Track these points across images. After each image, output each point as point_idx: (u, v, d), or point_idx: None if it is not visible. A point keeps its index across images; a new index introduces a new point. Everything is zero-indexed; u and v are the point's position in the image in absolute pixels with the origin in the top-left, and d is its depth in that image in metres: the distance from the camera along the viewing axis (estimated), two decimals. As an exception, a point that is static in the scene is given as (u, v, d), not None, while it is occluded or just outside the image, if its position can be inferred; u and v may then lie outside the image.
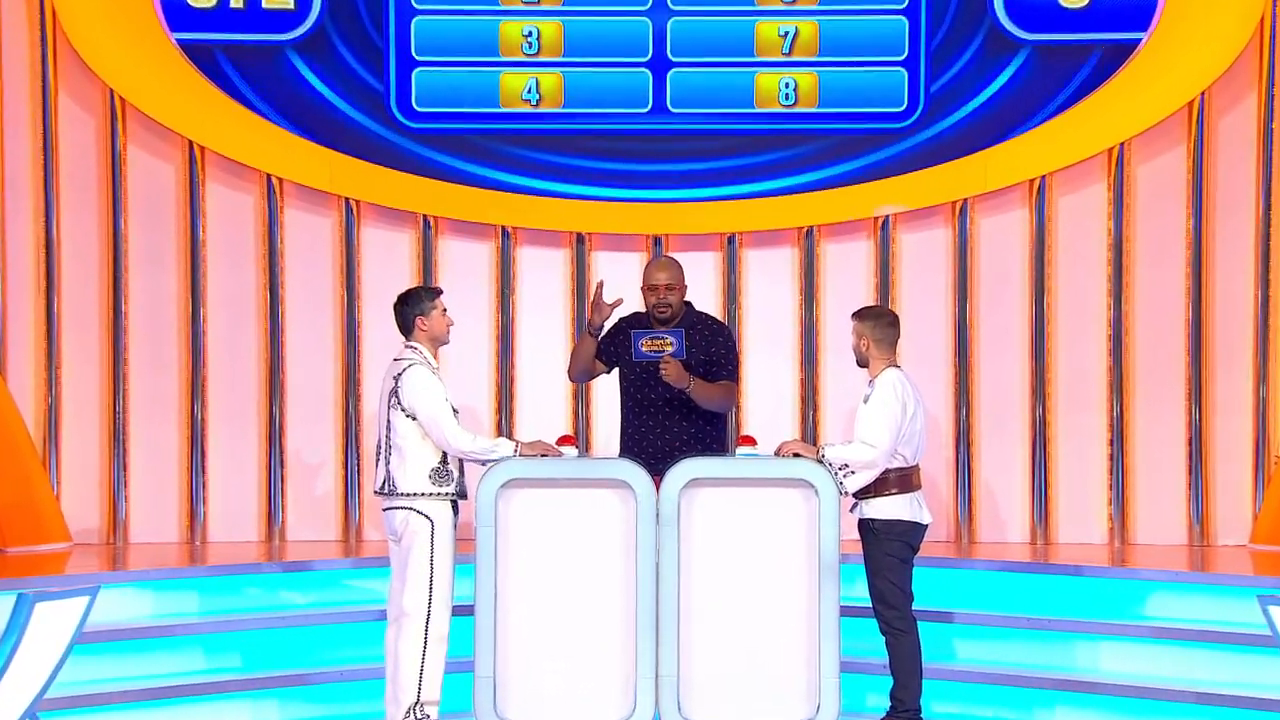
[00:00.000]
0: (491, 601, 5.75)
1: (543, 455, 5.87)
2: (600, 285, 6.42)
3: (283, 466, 8.48)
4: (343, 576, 7.44)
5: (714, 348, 6.43)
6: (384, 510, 5.94)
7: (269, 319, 8.47)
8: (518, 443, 5.90)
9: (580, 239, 8.58)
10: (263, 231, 8.48)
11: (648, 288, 6.41)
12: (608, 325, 6.51)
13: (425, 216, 8.52)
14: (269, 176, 8.44)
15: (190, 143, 8.39)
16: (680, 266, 6.44)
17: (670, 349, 6.16)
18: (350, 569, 7.47)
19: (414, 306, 5.96)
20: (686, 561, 5.79)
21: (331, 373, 8.56)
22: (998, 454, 8.49)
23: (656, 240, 8.54)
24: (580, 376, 6.69)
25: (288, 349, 8.51)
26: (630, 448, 6.44)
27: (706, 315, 6.62)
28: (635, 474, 5.81)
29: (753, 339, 8.56)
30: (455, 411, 5.85)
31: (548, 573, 5.80)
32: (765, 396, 8.51)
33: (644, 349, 6.16)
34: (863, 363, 6.08)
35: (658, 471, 6.00)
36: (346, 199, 8.49)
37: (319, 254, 8.55)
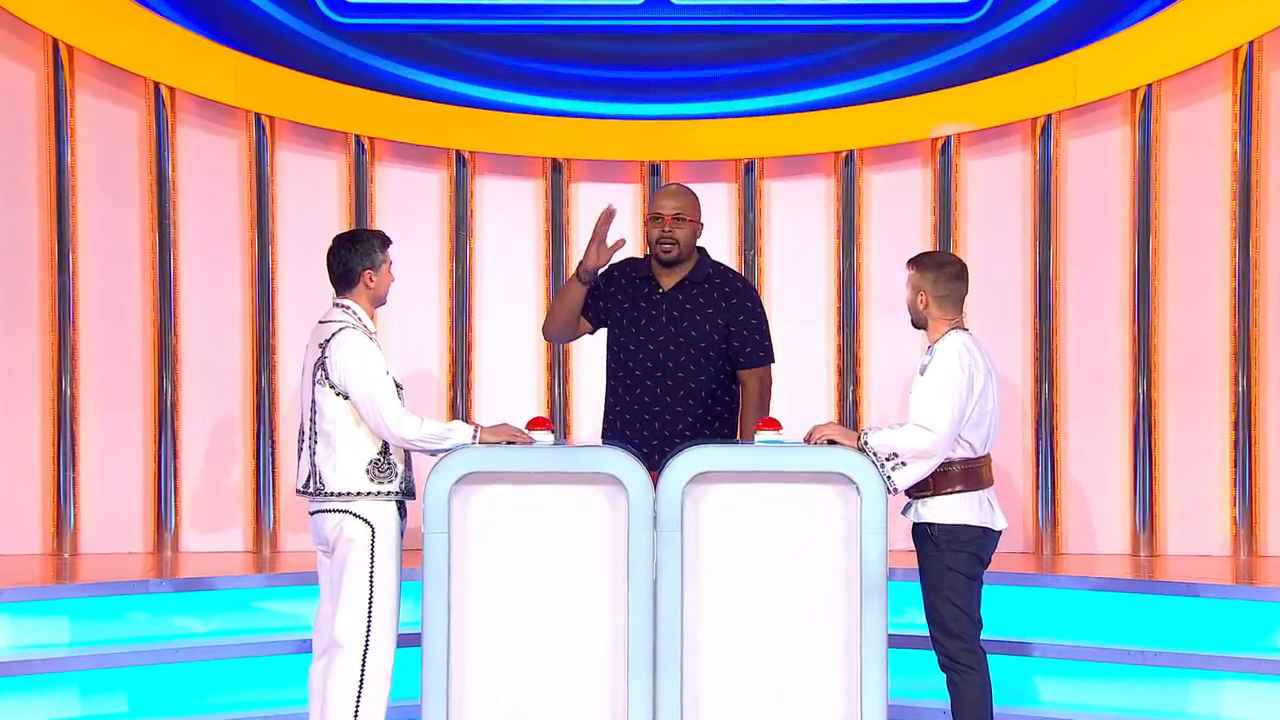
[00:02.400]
0: (444, 629, 5.74)
1: (509, 442, 5.85)
2: (609, 213, 6.33)
3: (175, 458, 8.47)
4: (254, 597, 7.44)
5: (740, 315, 6.36)
6: (310, 514, 5.92)
7: (157, 269, 8.45)
8: (477, 427, 5.87)
9: (556, 167, 8.57)
10: (149, 156, 8.46)
11: (650, 217, 6.38)
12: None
13: (358, 137, 8.51)
14: (156, 85, 8.41)
15: (54, 41, 8.36)
16: (694, 197, 6.40)
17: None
18: (264, 588, 7.46)
19: (363, 256, 5.88)
20: (692, 578, 5.78)
21: (238, 338, 8.56)
22: (1089, 441, 8.50)
23: (654, 168, 8.54)
24: (559, 334, 6.62)
25: (181, 307, 8.51)
26: (620, 432, 6.43)
27: (726, 269, 6.57)
28: (627, 466, 5.79)
29: (777, 294, 8.56)
30: (399, 388, 5.82)
31: (515, 592, 5.80)
32: (792, 368, 8.48)
33: None
34: (919, 324, 6.04)
35: (655, 463, 5.97)
36: (257, 115, 8.47)
37: (221, 185, 8.54)
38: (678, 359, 6.31)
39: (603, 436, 6.54)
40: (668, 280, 6.37)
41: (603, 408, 6.56)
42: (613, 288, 6.44)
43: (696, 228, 6.38)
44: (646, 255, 6.47)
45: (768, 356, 6.44)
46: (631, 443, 6.25)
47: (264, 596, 7.44)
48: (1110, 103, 8.45)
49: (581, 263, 6.34)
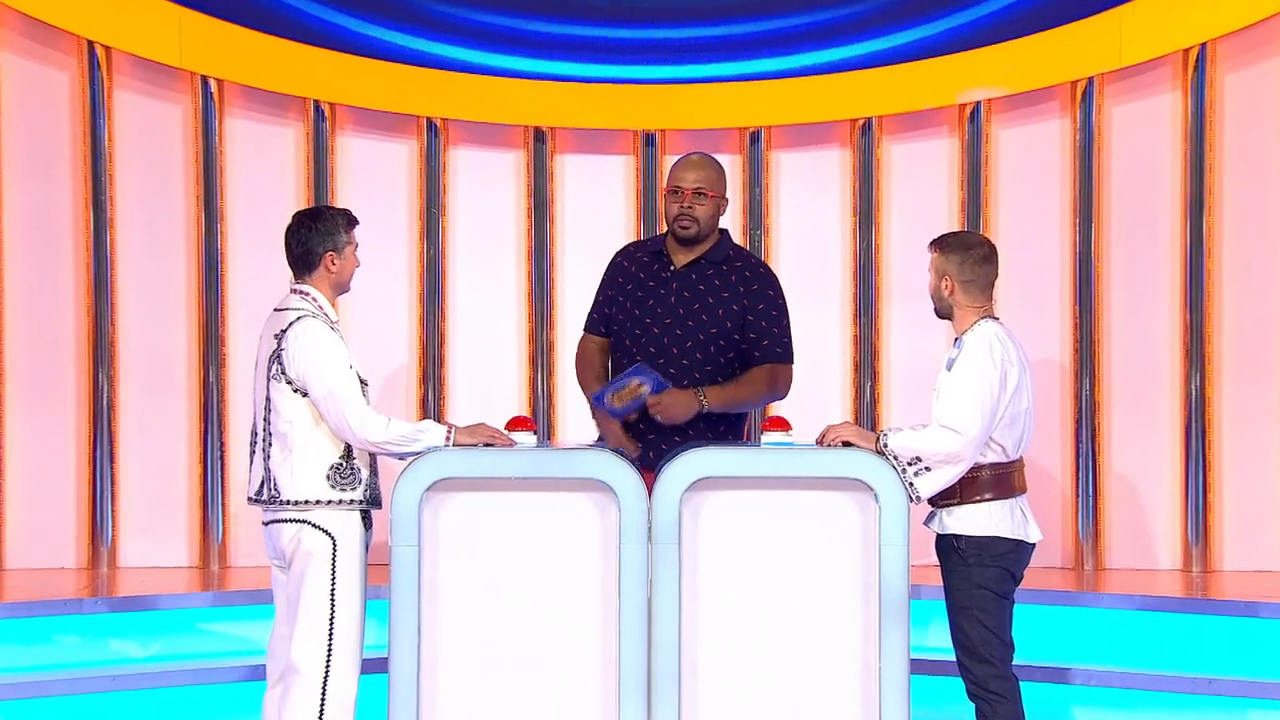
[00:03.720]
0: (413, 653, 5.74)
1: (486, 444, 5.85)
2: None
3: (112, 462, 8.47)
4: (200, 618, 7.43)
5: (760, 304, 6.34)
6: (264, 524, 5.92)
7: (90, 251, 8.44)
8: (451, 427, 5.86)
9: (539, 136, 8.58)
10: (82, 124, 8.45)
11: (669, 190, 6.38)
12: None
13: (317, 103, 8.50)
14: (90, 44, 8.40)
15: (-24, -4, 8.38)
16: (719, 169, 6.40)
17: (645, 390, 6.18)
18: (211, 608, 7.45)
19: (325, 236, 5.88)
20: (691, 596, 5.77)
21: (182, 328, 8.55)
22: (1136, 444, 8.52)
23: (649, 138, 8.54)
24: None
25: (119, 293, 8.50)
26: (635, 434, 6.41)
27: (748, 252, 6.59)
28: (619, 471, 5.79)
29: (785, 279, 8.32)
30: (363, 384, 5.82)
31: (493, 612, 5.79)
32: (803, 362, 8.42)
33: (614, 405, 6.21)
34: (945, 313, 6.04)
35: (651, 467, 5.97)
36: (204, 77, 8.45)
37: (164, 157, 8.53)
38: (683, 344, 6.30)
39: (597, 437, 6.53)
40: (681, 258, 6.37)
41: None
42: (620, 278, 6.44)
43: (720, 203, 6.37)
44: (664, 233, 6.47)
45: (786, 354, 6.43)
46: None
47: (211, 617, 7.42)
48: (1159, 64, 8.45)
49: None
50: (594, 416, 6.36)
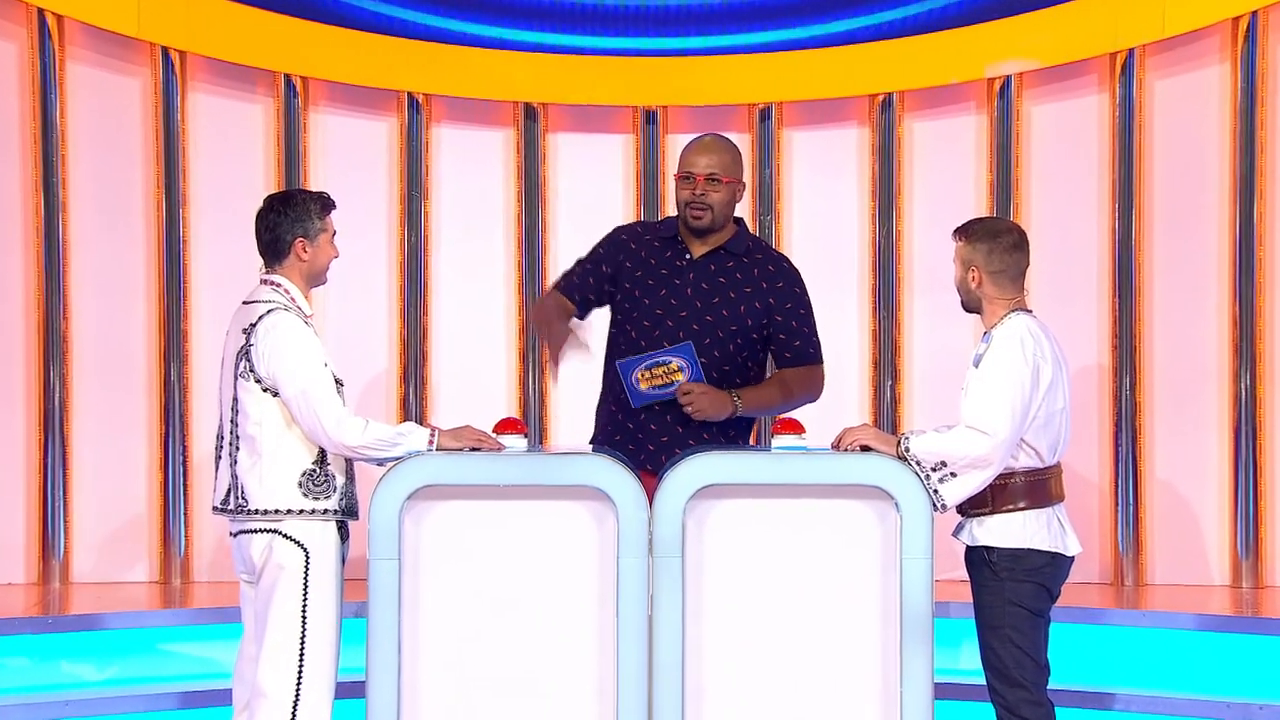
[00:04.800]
0: (393, 676, 5.73)
1: (473, 449, 5.85)
2: (573, 336, 6.31)
3: (65, 468, 8.47)
4: (160, 638, 7.42)
5: (789, 304, 6.33)
6: (232, 536, 5.92)
7: (42, 236, 8.43)
8: (434, 430, 5.86)
9: (530, 113, 8.58)
10: (31, 99, 8.44)
11: (681, 176, 6.37)
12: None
13: (288, 77, 8.50)
14: (40, 12, 8.39)
15: (-86, -41, 8.39)
16: (735, 151, 6.39)
17: (682, 375, 6.18)
18: (172, 626, 7.45)
19: (295, 222, 5.88)
20: (695, 613, 5.77)
21: (141, 321, 8.55)
22: (1181, 448, 8.53)
23: (650, 115, 8.53)
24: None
25: (72, 284, 8.49)
26: (611, 437, 6.44)
27: (769, 246, 6.59)
28: (617, 478, 5.78)
29: (798, 267, 8.54)
30: (339, 384, 5.83)
31: (480, 630, 5.79)
32: (818, 358, 8.54)
33: (642, 387, 6.20)
34: (972, 306, 6.04)
35: (652, 473, 5.99)
36: (164, 48, 8.44)
37: (122, 135, 8.54)
38: (701, 341, 6.29)
39: (594, 439, 6.53)
40: (699, 247, 6.36)
41: (597, 401, 6.54)
42: (621, 255, 6.42)
43: (736, 189, 6.37)
44: (674, 218, 6.46)
45: (819, 354, 6.45)
46: (629, 445, 6.24)
47: (173, 637, 7.42)
48: (1206, 34, 8.45)
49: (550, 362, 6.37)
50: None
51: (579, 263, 6.44)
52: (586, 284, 6.41)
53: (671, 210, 6.81)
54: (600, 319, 6.43)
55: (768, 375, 6.45)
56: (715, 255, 6.33)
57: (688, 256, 6.32)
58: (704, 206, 6.29)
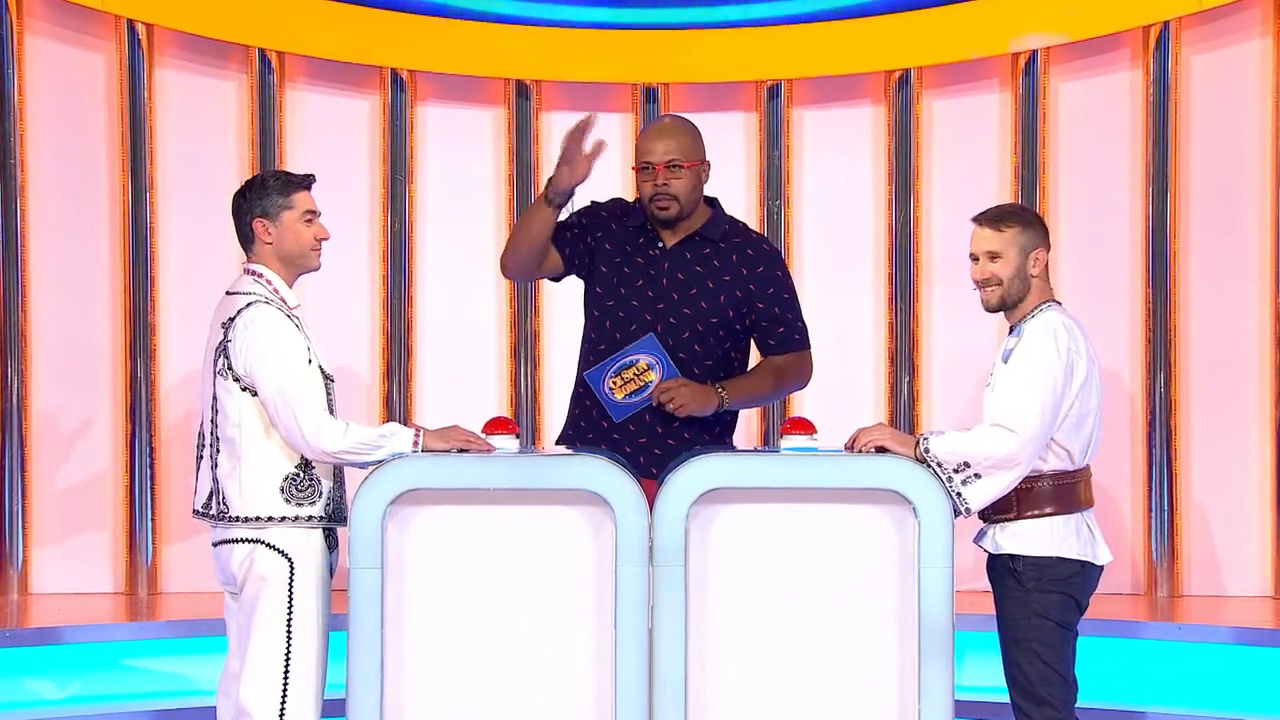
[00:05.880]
0: (376, 693, 5.73)
1: (461, 450, 5.84)
2: (588, 123, 6.28)
3: (23, 472, 8.47)
4: (125, 653, 7.43)
5: (770, 289, 6.33)
6: (214, 546, 5.92)
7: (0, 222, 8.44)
8: (419, 430, 5.86)
9: (522, 91, 8.58)
10: (-11, 76, 8.47)
11: (640, 168, 6.36)
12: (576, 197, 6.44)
13: (263, 51, 8.50)
14: (-2, -17, 8.43)
15: None
16: (694, 131, 6.38)
17: (653, 375, 6.19)
18: (138, 640, 7.46)
19: (254, 201, 5.89)
20: (699, 625, 5.77)
21: (105, 313, 8.56)
22: (1218, 450, 8.53)
23: (650, 93, 8.55)
24: (521, 270, 6.58)
25: (32, 274, 8.50)
26: (601, 435, 6.43)
27: (747, 227, 6.57)
28: (616, 481, 5.77)
29: (809, 258, 8.61)
30: (329, 380, 5.82)
31: (469, 643, 5.78)
32: (829, 354, 8.48)
33: (617, 397, 6.23)
34: (1013, 300, 6.01)
35: (651, 476, 5.98)
36: (130, 21, 8.45)
37: (85, 113, 8.54)
38: (679, 335, 6.30)
39: (563, 438, 6.54)
40: (671, 236, 6.35)
41: (570, 398, 6.54)
42: (600, 232, 6.42)
43: (701, 172, 6.34)
44: (636, 202, 6.46)
45: (806, 339, 6.44)
46: (619, 451, 6.23)
47: (138, 652, 7.43)
48: (1246, 5, 8.45)
49: (550, 181, 6.30)
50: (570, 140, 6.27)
51: (566, 221, 6.40)
52: (572, 242, 6.38)
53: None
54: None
55: (751, 365, 6.47)
56: (690, 243, 6.32)
57: (660, 246, 6.31)
58: (669, 197, 6.26)
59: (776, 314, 6.36)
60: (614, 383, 6.20)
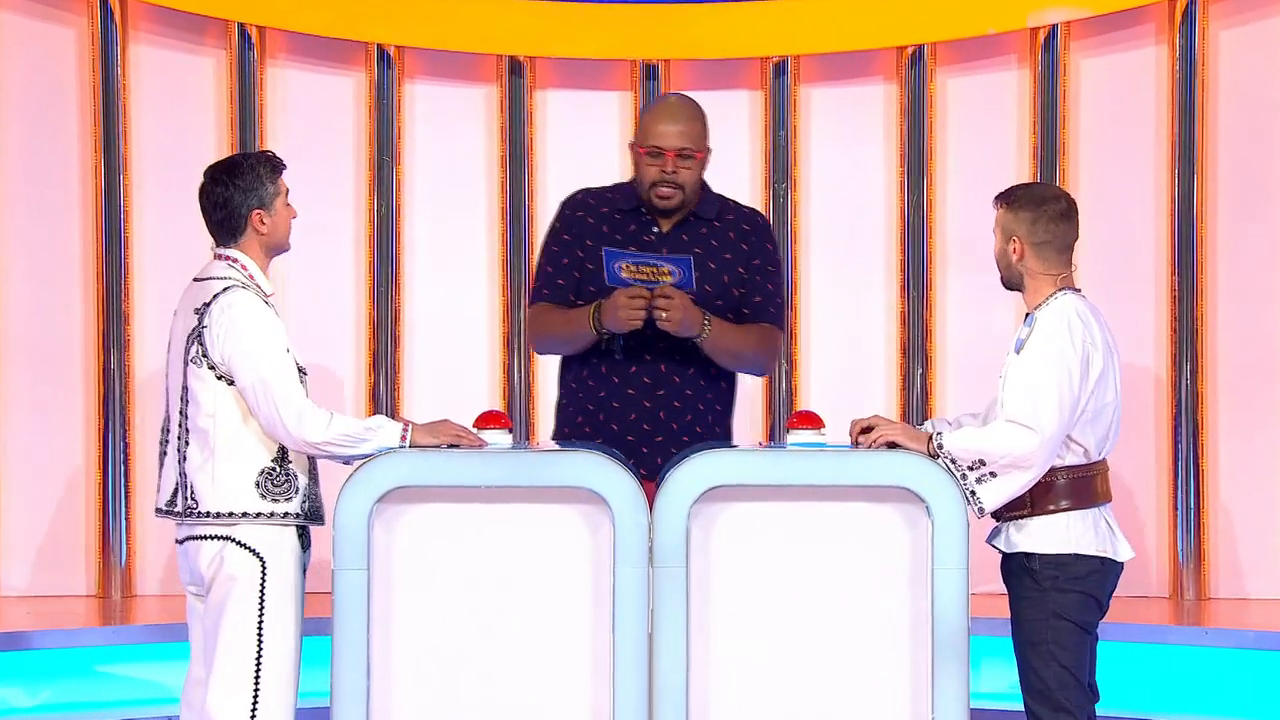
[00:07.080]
0: (361, 701, 5.74)
1: (451, 445, 5.85)
2: (652, 299, 6.26)
3: (-8, 467, 8.51)
4: (98, 659, 7.44)
5: (757, 259, 6.35)
6: (179, 543, 5.92)
7: (-34, 207, 8.48)
8: (407, 424, 5.86)
9: (515, 68, 8.59)
10: (-46, 53, 8.48)
11: (646, 150, 6.34)
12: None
13: (242, 26, 8.50)
14: (-37, -46, 8.44)
15: None
16: (705, 118, 6.37)
17: (670, 279, 6.13)
18: (110, 645, 7.47)
19: (249, 192, 5.86)
20: (701, 627, 5.77)
21: (77, 302, 8.57)
22: (1247, 446, 8.54)
23: (650, 70, 8.55)
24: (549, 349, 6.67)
25: None
26: (595, 431, 6.45)
27: (737, 203, 6.58)
28: (614, 478, 5.77)
29: (817, 243, 8.64)
30: (302, 373, 5.83)
31: (458, 648, 5.79)
32: (838, 345, 8.54)
33: (622, 275, 6.13)
34: (1012, 284, 6.03)
35: (649, 473, 5.99)
36: (102, -5, 8.50)
37: (54, 92, 8.55)
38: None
39: (556, 434, 6.56)
40: (666, 220, 6.36)
41: (558, 392, 6.58)
42: (589, 240, 6.40)
43: (704, 161, 6.37)
44: (628, 183, 6.47)
45: (779, 317, 6.42)
46: (615, 446, 6.25)
47: (112, 658, 7.44)
48: (1278, -22, 8.47)
49: (605, 315, 6.22)
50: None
51: (549, 262, 6.40)
52: (574, 281, 6.38)
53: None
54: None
55: None
56: (686, 225, 6.31)
57: (655, 230, 6.31)
58: (676, 186, 6.24)
59: (756, 282, 6.35)
60: (627, 266, 6.12)
